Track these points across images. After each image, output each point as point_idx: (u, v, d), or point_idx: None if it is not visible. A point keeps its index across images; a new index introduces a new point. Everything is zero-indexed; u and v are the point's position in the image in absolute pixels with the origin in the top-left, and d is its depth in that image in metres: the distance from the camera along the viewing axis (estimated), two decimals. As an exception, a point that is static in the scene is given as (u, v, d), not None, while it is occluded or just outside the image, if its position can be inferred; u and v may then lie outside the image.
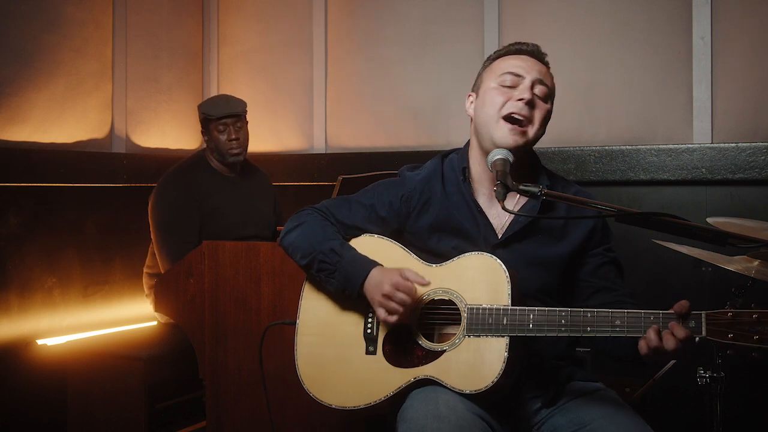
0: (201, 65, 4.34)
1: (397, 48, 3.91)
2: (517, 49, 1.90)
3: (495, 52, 1.95)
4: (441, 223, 1.87)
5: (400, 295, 1.72)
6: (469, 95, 1.96)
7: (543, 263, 1.83)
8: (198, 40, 4.33)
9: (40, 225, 3.30)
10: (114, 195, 3.64)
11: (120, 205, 3.66)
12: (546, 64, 1.91)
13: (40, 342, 3.24)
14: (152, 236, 3.26)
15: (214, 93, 4.30)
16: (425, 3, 3.84)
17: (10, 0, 3.24)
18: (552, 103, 1.89)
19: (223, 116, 3.30)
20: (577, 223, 1.86)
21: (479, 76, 1.96)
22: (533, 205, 1.86)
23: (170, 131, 4.11)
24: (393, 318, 1.74)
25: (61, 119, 3.47)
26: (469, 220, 1.86)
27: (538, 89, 1.84)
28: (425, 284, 1.77)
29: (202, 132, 3.39)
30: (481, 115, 1.87)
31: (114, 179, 3.63)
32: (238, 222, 3.36)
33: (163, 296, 2.92)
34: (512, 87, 1.84)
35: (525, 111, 1.81)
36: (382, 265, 1.82)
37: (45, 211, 3.32)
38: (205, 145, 3.42)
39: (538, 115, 1.83)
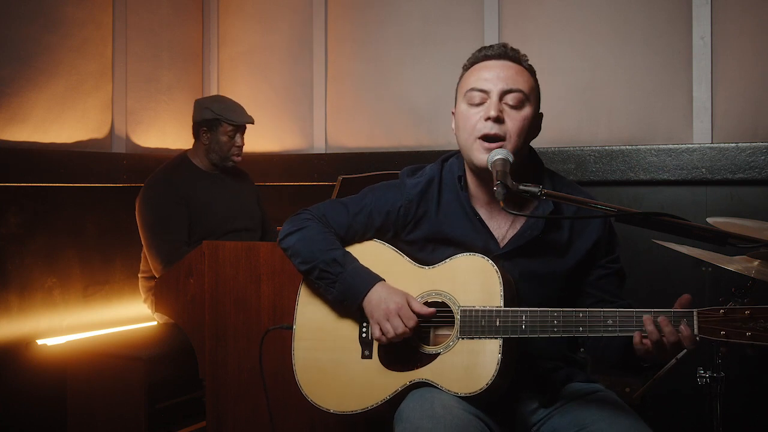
0: (201, 65, 4.34)
1: (397, 48, 3.91)
2: (483, 56, 1.81)
3: (467, 60, 1.85)
4: (435, 237, 1.84)
5: (399, 323, 1.73)
6: (453, 112, 1.89)
7: (545, 278, 1.80)
8: (198, 40, 4.33)
9: (40, 225, 3.30)
10: (114, 195, 3.64)
11: (120, 205, 3.65)
12: (518, 61, 1.79)
13: (40, 342, 3.24)
14: (141, 238, 3.27)
15: (214, 93, 4.29)
16: (425, 3, 3.83)
17: (10, 0, 3.24)
18: (531, 106, 1.78)
19: (241, 124, 3.34)
20: (581, 238, 1.82)
21: (456, 91, 1.88)
22: (537, 222, 1.79)
23: (170, 131, 4.10)
24: (384, 339, 1.75)
25: (61, 119, 3.47)
26: (468, 231, 1.81)
27: (509, 98, 1.75)
28: (428, 314, 1.75)
29: (202, 129, 3.36)
30: (459, 140, 1.82)
31: (114, 179, 3.63)
32: (227, 216, 3.38)
33: (163, 296, 2.92)
34: (481, 104, 1.77)
35: (495, 129, 1.73)
36: (384, 279, 1.81)
37: (45, 211, 3.32)
38: (193, 143, 3.42)
39: (512, 128, 1.74)
